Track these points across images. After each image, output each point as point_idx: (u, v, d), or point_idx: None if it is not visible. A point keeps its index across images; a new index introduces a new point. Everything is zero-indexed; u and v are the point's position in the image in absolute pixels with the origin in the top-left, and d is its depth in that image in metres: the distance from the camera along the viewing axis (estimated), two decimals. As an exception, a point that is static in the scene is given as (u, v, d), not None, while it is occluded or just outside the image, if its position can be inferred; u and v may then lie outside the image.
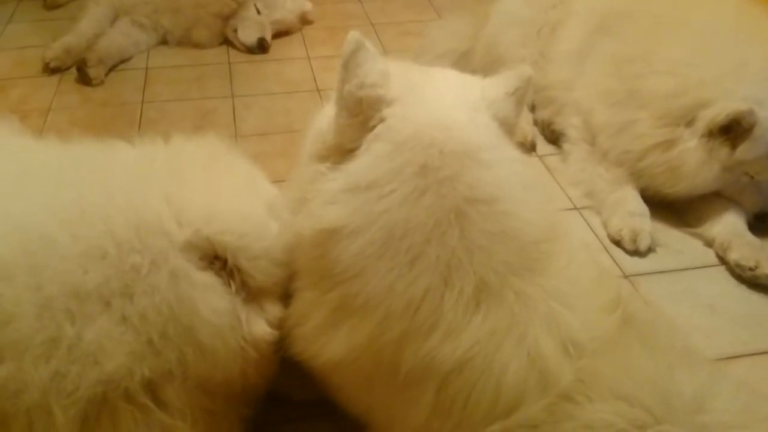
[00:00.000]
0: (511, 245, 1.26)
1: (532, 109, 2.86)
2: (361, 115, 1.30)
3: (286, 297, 1.54)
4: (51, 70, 3.21)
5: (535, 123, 2.82)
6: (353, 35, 1.28)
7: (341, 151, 1.33)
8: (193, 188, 1.47)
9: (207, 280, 1.39)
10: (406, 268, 1.23)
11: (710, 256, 2.18)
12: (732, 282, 2.08)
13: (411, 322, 1.23)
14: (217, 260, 1.41)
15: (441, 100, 1.35)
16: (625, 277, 2.08)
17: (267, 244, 1.48)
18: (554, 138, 2.73)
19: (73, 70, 3.19)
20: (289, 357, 1.49)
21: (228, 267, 1.42)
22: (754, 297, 2.03)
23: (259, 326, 1.47)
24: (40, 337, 1.25)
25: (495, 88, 1.41)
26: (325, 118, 1.41)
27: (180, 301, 1.34)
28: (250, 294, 1.46)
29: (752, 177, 2.16)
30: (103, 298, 1.30)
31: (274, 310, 1.52)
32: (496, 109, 1.37)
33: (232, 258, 1.41)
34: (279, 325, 1.51)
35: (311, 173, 1.37)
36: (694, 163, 2.11)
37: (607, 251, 2.20)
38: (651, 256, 2.18)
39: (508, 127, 1.39)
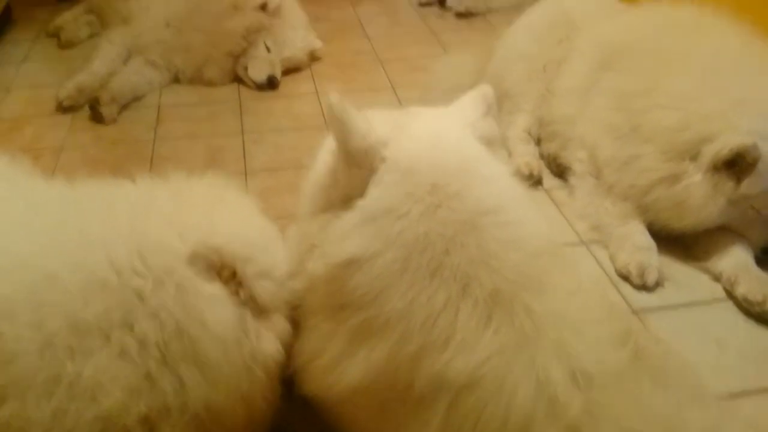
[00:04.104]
0: (520, 253, 1.34)
1: (539, 142, 2.88)
2: (367, 163, 1.37)
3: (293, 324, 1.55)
4: (64, 108, 3.26)
5: (542, 156, 2.83)
6: (333, 98, 1.36)
7: (348, 199, 1.39)
8: (193, 211, 1.51)
9: (214, 290, 1.40)
10: (428, 280, 1.30)
11: (718, 290, 2.16)
12: (740, 317, 2.06)
13: (428, 335, 1.28)
14: (225, 270, 1.43)
15: (429, 131, 1.47)
16: (634, 312, 2.07)
17: (271, 260, 1.51)
18: (560, 171, 2.74)
19: (86, 109, 3.23)
20: (295, 392, 1.50)
21: (237, 277, 1.44)
22: (763, 332, 2.01)
23: (268, 341, 1.48)
24: (42, 375, 1.27)
25: (468, 112, 1.53)
26: (320, 175, 1.48)
27: (187, 313, 1.35)
28: (259, 308, 1.47)
29: (758, 211, 2.15)
30: (103, 330, 1.32)
31: (284, 326, 1.53)
32: (477, 130, 1.49)
33: (240, 267, 1.44)
34: (288, 344, 1.52)
35: (317, 224, 1.44)
36: (700, 198, 2.11)
37: (615, 286, 2.19)
38: (659, 290, 2.17)
39: (491, 144, 1.51)
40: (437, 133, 1.47)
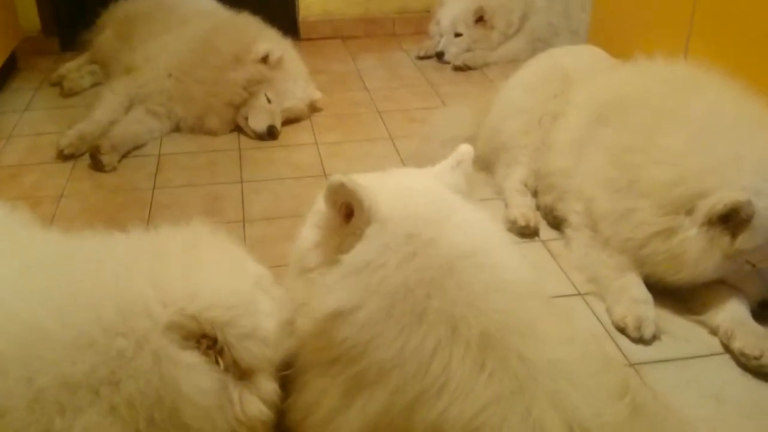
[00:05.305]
0: (504, 295, 1.37)
1: (535, 194, 2.90)
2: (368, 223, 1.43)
3: (280, 379, 1.55)
4: (65, 156, 3.28)
5: (538, 208, 2.85)
6: (339, 178, 1.40)
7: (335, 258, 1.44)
8: (177, 268, 1.50)
9: (190, 359, 1.40)
10: (415, 325, 1.32)
11: (715, 343, 2.15)
12: (738, 371, 2.04)
13: (423, 382, 1.29)
14: (205, 338, 1.42)
15: (401, 185, 1.57)
16: (631, 365, 2.06)
17: (256, 320, 1.50)
18: (557, 223, 2.75)
19: (87, 157, 3.26)
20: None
21: (218, 345, 1.43)
22: (761, 386, 1.99)
23: (254, 405, 1.47)
24: (32, 430, 1.26)
25: (438, 167, 1.63)
26: (307, 238, 1.54)
27: (163, 382, 1.35)
28: (242, 371, 1.46)
29: (754, 265, 2.16)
30: (92, 387, 1.31)
31: (268, 386, 1.52)
32: (445, 181, 1.58)
33: (221, 334, 1.43)
34: (275, 403, 1.52)
35: (302, 284, 1.48)
36: (695, 252, 2.11)
37: (612, 338, 2.19)
38: (656, 344, 2.16)
39: (459, 194, 1.58)
40: (408, 187, 1.56)
